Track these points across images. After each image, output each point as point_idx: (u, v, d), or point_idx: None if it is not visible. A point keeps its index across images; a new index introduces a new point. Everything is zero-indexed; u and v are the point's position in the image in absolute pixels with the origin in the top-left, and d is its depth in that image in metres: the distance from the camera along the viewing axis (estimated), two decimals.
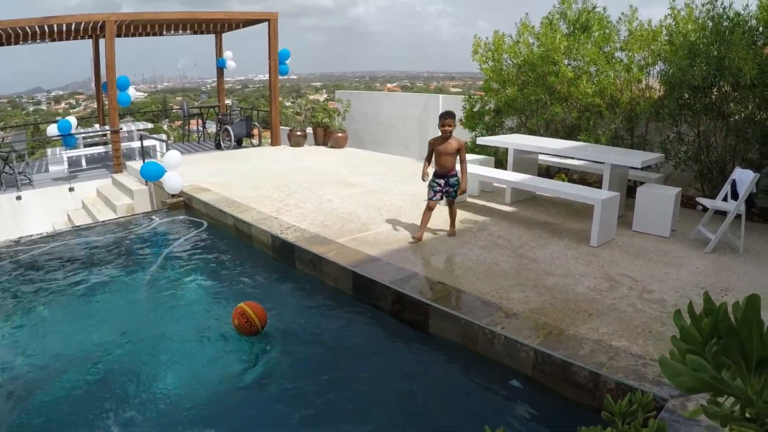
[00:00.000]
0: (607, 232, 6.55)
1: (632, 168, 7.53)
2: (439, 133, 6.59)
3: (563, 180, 9.01)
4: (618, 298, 5.01)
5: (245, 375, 4.51)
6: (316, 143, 14.90)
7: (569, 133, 9.48)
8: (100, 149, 13.71)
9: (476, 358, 4.52)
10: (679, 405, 3.29)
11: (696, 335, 1.12)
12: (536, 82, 9.61)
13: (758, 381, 1.05)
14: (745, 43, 6.90)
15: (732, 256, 6.10)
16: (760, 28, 7.16)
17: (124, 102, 12.82)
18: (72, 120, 12.71)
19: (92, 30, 14.25)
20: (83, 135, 13.77)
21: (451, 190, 6.71)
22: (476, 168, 8.19)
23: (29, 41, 14.29)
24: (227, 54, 16.71)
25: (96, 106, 17.41)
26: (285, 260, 6.77)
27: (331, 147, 14.39)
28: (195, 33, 16.68)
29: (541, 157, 9.00)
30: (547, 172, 9.79)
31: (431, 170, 6.76)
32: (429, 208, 6.71)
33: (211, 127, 17.31)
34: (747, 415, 1.08)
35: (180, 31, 16.08)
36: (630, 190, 8.01)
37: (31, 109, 70.41)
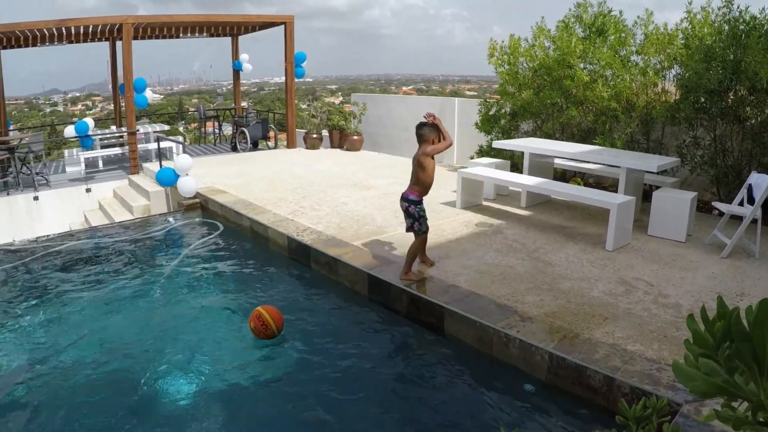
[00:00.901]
0: (622, 236, 6.54)
1: (648, 172, 7.50)
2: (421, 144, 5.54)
3: (579, 184, 8.99)
4: (633, 302, 5.00)
5: (260, 376, 4.56)
6: (332, 146, 14.96)
7: (585, 137, 9.46)
8: (117, 151, 13.83)
9: (491, 361, 4.54)
10: (694, 410, 3.30)
11: (709, 339, 1.14)
12: (552, 85, 9.61)
13: None
14: (761, 47, 6.87)
15: (748, 261, 6.07)
16: None
17: (140, 104, 12.93)
18: (89, 121, 12.80)
19: (109, 32, 14.37)
20: (100, 136, 13.91)
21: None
22: (492, 171, 8.22)
23: (46, 43, 14.46)
24: (243, 56, 16.79)
25: (113, 108, 17.58)
26: (301, 262, 6.83)
27: (347, 150, 14.43)
28: (211, 36, 16.81)
29: (556, 160, 8.99)
30: (563, 175, 9.78)
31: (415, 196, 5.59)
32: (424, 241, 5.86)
33: (227, 130, 17.42)
34: (760, 419, 1.10)
35: (196, 34, 16.21)
36: (646, 195, 7.99)
37: (48, 110, 71.10)
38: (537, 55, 9.99)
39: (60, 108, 74.95)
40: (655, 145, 8.83)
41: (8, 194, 10.75)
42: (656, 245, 6.60)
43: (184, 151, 13.20)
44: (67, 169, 12.94)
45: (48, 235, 8.50)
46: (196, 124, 22.70)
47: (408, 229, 5.70)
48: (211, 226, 8.59)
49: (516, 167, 9.70)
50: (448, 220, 7.60)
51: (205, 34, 16.38)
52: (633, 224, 6.81)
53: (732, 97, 7.64)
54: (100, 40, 15.42)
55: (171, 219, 9.12)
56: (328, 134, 15.01)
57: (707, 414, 1.21)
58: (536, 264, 5.97)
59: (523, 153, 8.61)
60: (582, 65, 9.35)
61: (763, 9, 7.31)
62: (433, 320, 5.05)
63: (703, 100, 7.75)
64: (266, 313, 4.97)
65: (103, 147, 13.89)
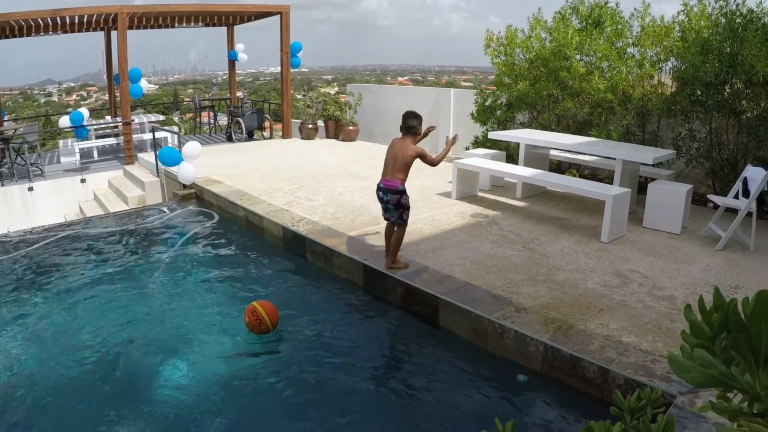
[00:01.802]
0: (617, 228, 6.55)
1: (644, 164, 7.50)
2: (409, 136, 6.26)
3: (574, 175, 9.00)
4: (628, 294, 5.02)
5: (253, 369, 4.56)
6: (327, 136, 14.93)
7: (581, 129, 9.46)
8: (112, 141, 13.80)
9: (486, 352, 4.55)
10: (688, 401, 3.32)
11: (706, 330, 1.14)
12: (548, 77, 9.59)
13: (767, 376, 1.07)
14: (758, 40, 6.87)
15: (742, 254, 6.09)
16: None
17: (135, 94, 12.86)
18: (84, 111, 12.75)
19: (104, 22, 14.29)
20: (95, 127, 13.86)
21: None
22: (487, 162, 8.22)
23: (41, 33, 14.35)
24: (239, 46, 16.72)
25: (108, 98, 17.50)
26: (296, 252, 6.82)
27: (342, 140, 14.41)
28: (207, 25, 16.72)
29: (552, 152, 8.99)
30: (559, 167, 9.78)
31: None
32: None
33: (223, 120, 17.36)
34: (755, 410, 1.10)
35: (192, 24, 16.12)
36: (641, 187, 7.99)
37: (43, 100, 70.75)
38: (533, 46, 9.96)
39: (55, 98, 74.60)
40: (651, 137, 8.84)
41: (3, 185, 10.72)
42: (651, 237, 6.61)
43: (179, 141, 13.15)
44: (62, 159, 12.90)
45: (43, 226, 8.47)
46: (191, 114, 22.58)
47: (395, 221, 5.64)
48: (206, 216, 8.56)
49: (512, 158, 9.68)
50: (443, 210, 7.60)
51: (200, 23, 16.29)
52: (628, 216, 6.81)
53: (728, 90, 7.63)
54: (95, 29, 15.33)
55: (166, 209, 9.08)
56: (323, 124, 14.97)
57: (702, 405, 1.21)
58: (531, 255, 5.98)
59: (518, 144, 8.61)
60: (578, 57, 9.33)
61: (760, 2, 7.30)
62: (427, 311, 5.06)
63: (699, 92, 7.75)
64: (261, 308, 4.95)
65: (97, 137, 13.85)
